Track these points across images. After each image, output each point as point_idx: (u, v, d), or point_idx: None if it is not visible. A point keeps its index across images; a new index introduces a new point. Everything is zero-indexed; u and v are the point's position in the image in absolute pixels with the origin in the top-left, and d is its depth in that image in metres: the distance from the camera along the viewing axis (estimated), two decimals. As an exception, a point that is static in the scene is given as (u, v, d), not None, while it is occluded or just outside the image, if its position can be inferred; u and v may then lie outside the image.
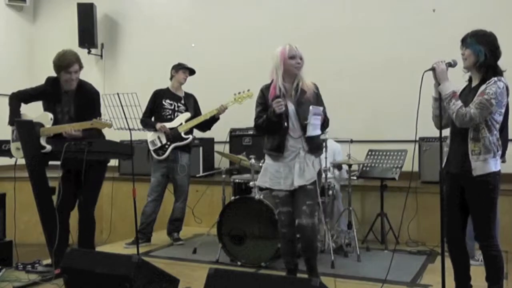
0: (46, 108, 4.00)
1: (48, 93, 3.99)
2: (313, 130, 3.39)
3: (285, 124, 3.43)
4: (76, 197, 4.03)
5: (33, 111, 4.04)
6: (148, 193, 5.13)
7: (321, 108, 3.42)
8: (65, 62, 3.86)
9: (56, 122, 3.90)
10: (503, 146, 3.73)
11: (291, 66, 3.44)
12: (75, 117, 3.93)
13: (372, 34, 5.76)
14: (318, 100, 3.54)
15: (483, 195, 2.92)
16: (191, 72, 5.21)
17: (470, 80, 3.07)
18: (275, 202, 3.60)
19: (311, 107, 3.35)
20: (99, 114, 4.00)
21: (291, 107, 3.45)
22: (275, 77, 3.50)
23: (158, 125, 4.99)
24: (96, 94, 4.08)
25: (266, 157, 3.59)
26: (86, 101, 3.99)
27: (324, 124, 3.54)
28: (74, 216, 4.05)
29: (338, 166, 4.84)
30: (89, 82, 4.13)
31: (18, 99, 3.98)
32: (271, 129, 3.48)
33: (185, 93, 5.24)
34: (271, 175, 3.52)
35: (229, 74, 6.27)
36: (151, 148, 5.08)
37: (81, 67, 3.97)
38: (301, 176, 3.43)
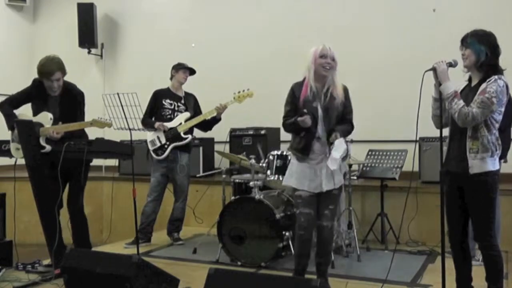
0: (34, 110, 4.01)
1: (35, 95, 3.99)
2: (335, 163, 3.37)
3: (314, 129, 3.39)
4: (61, 195, 4.02)
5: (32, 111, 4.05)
6: (148, 193, 5.13)
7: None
8: (46, 70, 3.86)
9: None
10: (506, 146, 3.73)
11: (320, 65, 3.39)
12: (60, 118, 3.92)
13: (372, 33, 5.76)
14: (345, 107, 3.47)
15: (481, 195, 2.91)
16: (191, 72, 5.21)
17: (469, 79, 3.07)
18: (296, 202, 3.51)
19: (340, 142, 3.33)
20: (83, 114, 4.03)
21: (320, 111, 3.41)
22: (307, 75, 3.45)
23: (157, 124, 4.99)
24: (81, 95, 4.08)
25: (291, 155, 3.56)
26: (72, 102, 4.00)
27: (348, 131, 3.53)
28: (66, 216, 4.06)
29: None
30: (73, 83, 4.11)
31: (8, 105, 3.99)
32: (297, 133, 3.45)
33: (185, 92, 5.24)
34: (297, 175, 3.46)
35: (229, 74, 6.28)
36: (151, 148, 5.08)
37: (64, 73, 3.93)
38: (330, 180, 3.40)
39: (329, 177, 3.41)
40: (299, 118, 3.32)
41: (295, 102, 3.46)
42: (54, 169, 3.81)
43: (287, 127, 3.51)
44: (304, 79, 3.47)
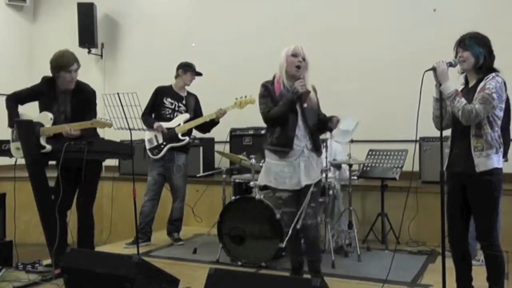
0: (42, 108, 4.00)
1: (44, 93, 3.98)
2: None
3: (301, 106, 3.44)
4: (73, 196, 4.03)
5: (33, 111, 4.04)
6: (145, 192, 5.10)
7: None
8: (64, 61, 3.87)
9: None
10: (506, 145, 3.74)
11: (291, 63, 3.43)
12: (71, 116, 3.94)
13: (373, 33, 5.76)
14: (318, 106, 3.62)
15: (486, 194, 2.91)
16: (198, 74, 5.19)
17: (466, 81, 3.08)
18: (277, 203, 3.59)
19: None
20: (95, 114, 4.02)
21: (298, 108, 3.47)
22: (279, 74, 3.51)
23: (156, 125, 4.97)
24: (93, 93, 4.08)
25: (269, 154, 3.52)
26: (83, 101, 4.00)
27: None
28: (73, 216, 4.05)
29: (337, 166, 4.86)
30: (85, 82, 4.12)
31: (14, 100, 3.97)
32: (286, 115, 3.41)
33: (188, 92, 5.22)
34: (275, 175, 3.48)
35: (229, 74, 6.28)
36: (147, 146, 5.07)
37: (79, 66, 3.96)
38: (307, 175, 3.45)
39: (307, 172, 3.46)
40: (296, 83, 3.38)
41: (271, 95, 3.47)
42: (66, 169, 3.82)
43: (274, 115, 3.42)
44: (273, 78, 3.54)
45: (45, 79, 4.00)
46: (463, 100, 2.88)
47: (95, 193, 4.12)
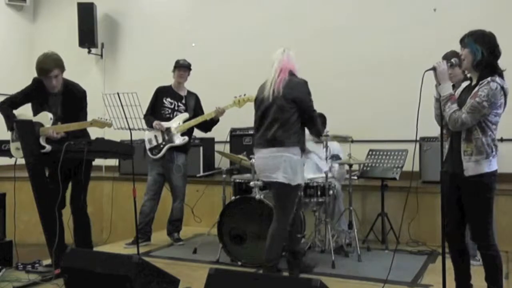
0: (34, 109, 3.99)
1: (34, 94, 3.97)
2: None
3: None
4: (64, 194, 4.02)
5: (31, 111, 4.04)
6: (144, 192, 5.10)
7: None
8: (43, 67, 3.82)
9: None
10: None
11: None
12: (63, 117, 3.92)
13: (373, 33, 5.76)
14: None
15: (478, 196, 2.91)
16: (188, 68, 5.17)
17: (470, 79, 3.06)
18: (296, 201, 3.74)
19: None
20: (86, 113, 4.02)
21: None
22: (297, 73, 3.67)
23: (155, 123, 4.97)
24: (83, 93, 4.07)
25: (299, 152, 3.61)
26: (73, 101, 3.99)
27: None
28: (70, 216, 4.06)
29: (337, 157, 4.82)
30: (75, 82, 4.10)
31: (7, 105, 3.96)
32: None
33: (188, 92, 5.21)
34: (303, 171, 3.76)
35: (229, 74, 6.28)
36: (147, 146, 5.07)
37: (62, 70, 3.90)
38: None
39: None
40: None
41: None
42: (56, 168, 3.80)
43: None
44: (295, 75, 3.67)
45: (35, 80, 3.98)
46: (454, 106, 2.87)
47: (87, 191, 4.12)
